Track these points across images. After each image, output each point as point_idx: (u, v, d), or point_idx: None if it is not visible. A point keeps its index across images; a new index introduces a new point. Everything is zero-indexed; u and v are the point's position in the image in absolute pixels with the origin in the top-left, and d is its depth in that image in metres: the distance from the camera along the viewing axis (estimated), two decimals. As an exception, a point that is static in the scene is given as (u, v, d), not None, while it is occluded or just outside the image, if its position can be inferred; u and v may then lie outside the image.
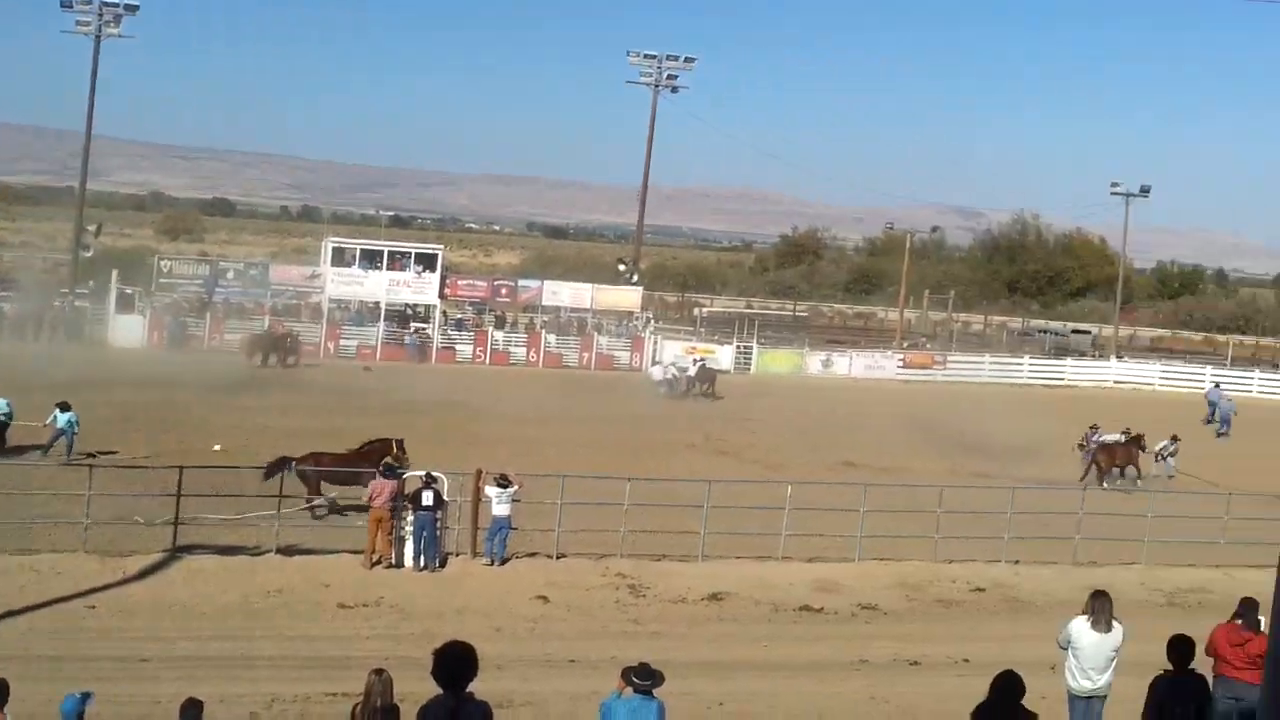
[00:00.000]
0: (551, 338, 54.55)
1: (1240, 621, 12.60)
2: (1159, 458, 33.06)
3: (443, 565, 20.46)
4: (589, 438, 33.90)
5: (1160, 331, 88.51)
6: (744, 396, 45.56)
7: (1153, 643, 11.44)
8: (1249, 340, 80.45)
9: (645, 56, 62.97)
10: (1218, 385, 49.64)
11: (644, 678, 10.57)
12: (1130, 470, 32.37)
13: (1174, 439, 33.63)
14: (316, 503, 23.23)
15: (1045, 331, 75.84)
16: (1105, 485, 30.90)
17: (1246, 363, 65.65)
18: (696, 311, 74.63)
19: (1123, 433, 33.02)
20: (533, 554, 21.28)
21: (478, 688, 7.62)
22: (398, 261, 53.93)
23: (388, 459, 22.42)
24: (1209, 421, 45.54)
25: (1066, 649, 12.48)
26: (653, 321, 59.54)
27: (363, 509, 21.06)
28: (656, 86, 62.53)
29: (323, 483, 23.40)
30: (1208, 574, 22.39)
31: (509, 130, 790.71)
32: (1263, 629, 12.37)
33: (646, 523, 21.81)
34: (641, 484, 22.85)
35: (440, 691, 7.50)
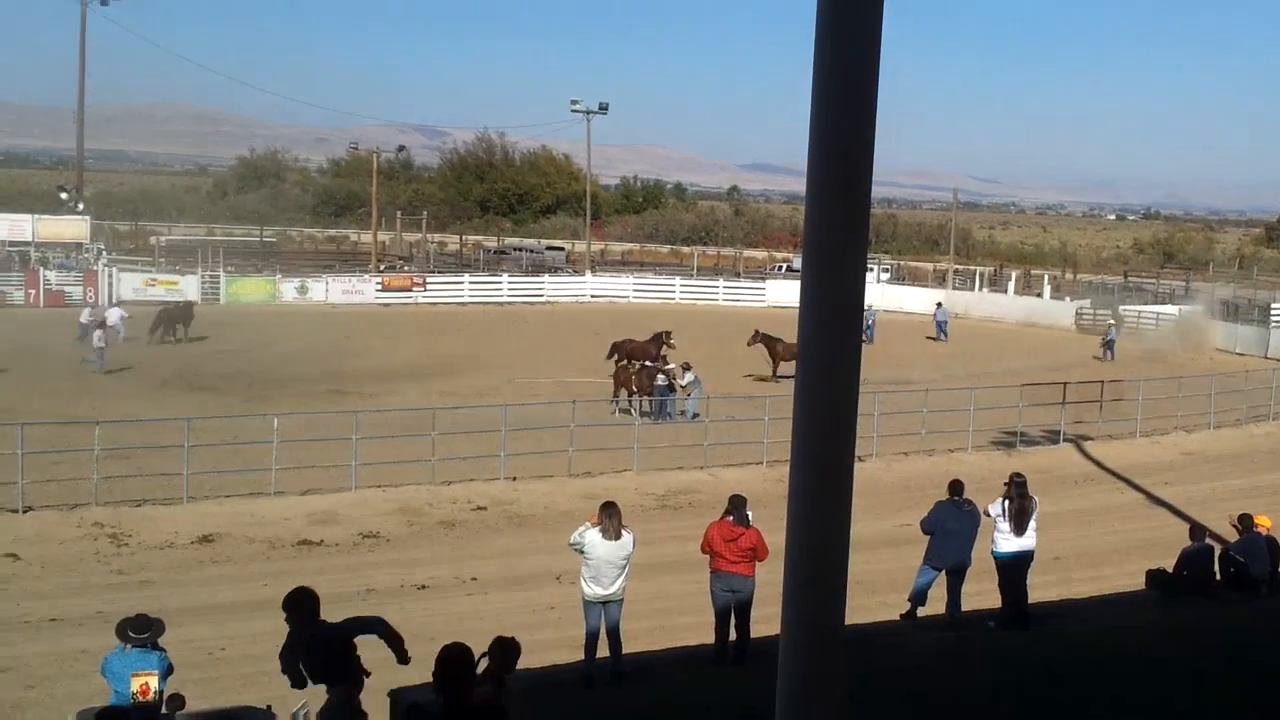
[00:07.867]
0: (-9, 275, 49.94)
1: (731, 518, 13.28)
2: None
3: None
4: (40, 385, 30.68)
5: (629, 245, 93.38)
6: (216, 327, 43.40)
7: (654, 545, 11.81)
8: (711, 251, 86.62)
9: (67, -36, 57.70)
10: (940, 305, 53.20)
11: (140, 630, 9.85)
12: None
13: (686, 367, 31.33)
14: None
15: (521, 249, 77.60)
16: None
17: (710, 272, 70.64)
18: (153, 240, 70.30)
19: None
20: (-9, 510, 19.39)
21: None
22: None
23: None
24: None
25: (581, 552, 12.65)
26: (105, 253, 55.54)
27: None
28: (85, -2, 57.45)
29: None
30: (694, 475, 23.80)
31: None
32: (752, 523, 13.20)
33: (123, 468, 20.85)
34: (112, 427, 21.65)
35: None
